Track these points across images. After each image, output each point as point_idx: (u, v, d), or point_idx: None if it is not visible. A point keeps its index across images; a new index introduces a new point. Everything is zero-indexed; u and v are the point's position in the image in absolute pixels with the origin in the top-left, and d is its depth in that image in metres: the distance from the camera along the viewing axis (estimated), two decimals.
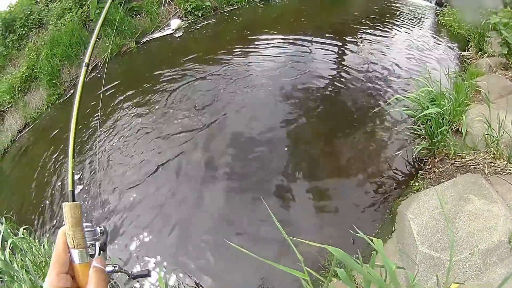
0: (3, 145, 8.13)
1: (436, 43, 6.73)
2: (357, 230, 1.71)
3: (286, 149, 4.61)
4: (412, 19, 7.89)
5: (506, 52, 5.38)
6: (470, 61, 5.86)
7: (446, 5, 8.71)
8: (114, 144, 5.71)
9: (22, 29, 9.85)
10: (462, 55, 6.13)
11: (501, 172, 3.30)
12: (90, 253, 0.77)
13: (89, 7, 8.85)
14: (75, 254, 0.72)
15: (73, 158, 0.86)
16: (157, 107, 6.15)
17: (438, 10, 8.78)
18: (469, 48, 6.29)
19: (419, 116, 3.90)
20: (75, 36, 8.75)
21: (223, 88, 6.11)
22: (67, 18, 9.12)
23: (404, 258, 2.80)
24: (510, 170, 3.28)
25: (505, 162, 3.33)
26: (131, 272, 0.98)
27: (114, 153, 5.52)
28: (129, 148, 5.44)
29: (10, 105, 8.80)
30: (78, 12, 9.17)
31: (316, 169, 4.26)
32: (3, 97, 8.84)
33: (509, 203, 2.89)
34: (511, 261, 2.48)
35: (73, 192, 0.81)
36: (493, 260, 2.50)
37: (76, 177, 5.37)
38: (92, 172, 5.36)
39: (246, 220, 3.84)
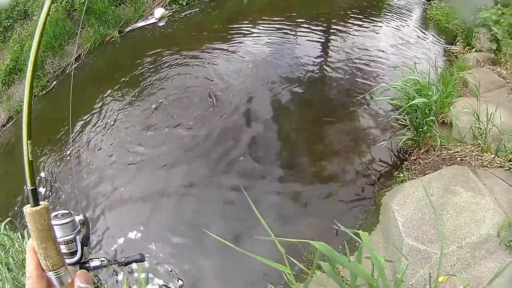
0: None
1: (423, 36, 6.73)
2: (340, 225, 1.65)
3: (268, 137, 4.54)
4: (400, 12, 7.86)
5: (495, 48, 5.40)
6: (457, 55, 5.87)
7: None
8: (93, 135, 5.64)
9: (7, 21, 9.52)
10: (449, 49, 6.14)
11: (488, 165, 3.27)
12: (71, 250, 0.63)
13: None
14: (53, 277, 0.57)
15: (29, 139, 0.66)
16: (138, 99, 6.05)
17: (426, 4, 8.81)
18: (456, 43, 6.30)
19: (406, 106, 3.85)
20: (59, 26, 8.51)
21: (204, 77, 6.01)
22: (52, 8, 8.77)
23: (389, 250, 2.75)
24: (497, 163, 3.25)
25: (493, 155, 3.31)
26: (122, 259, 0.86)
27: (93, 143, 5.46)
28: (108, 139, 5.37)
29: None
30: (63, 2, 8.90)
31: (299, 159, 4.19)
32: None
33: (497, 197, 2.85)
34: (500, 255, 2.44)
35: (34, 191, 0.61)
36: (482, 254, 2.46)
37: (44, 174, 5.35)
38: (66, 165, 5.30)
39: (228, 212, 3.77)
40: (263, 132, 4.63)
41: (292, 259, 1.55)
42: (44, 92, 8.13)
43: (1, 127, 8.01)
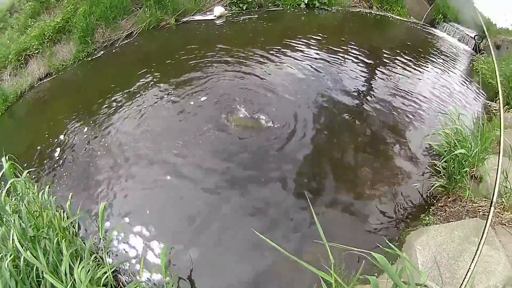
0: (20, 88, 8.14)
1: (467, 88, 6.77)
2: (389, 243, 1.77)
3: (306, 163, 4.56)
4: (447, 59, 7.92)
5: None
6: (496, 112, 5.91)
7: (483, 53, 8.81)
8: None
9: None
10: (489, 105, 6.19)
11: (506, 224, 3.39)
12: None
13: None
14: None
15: None
16: (180, 91, 6.02)
17: (474, 55, 8.86)
18: (497, 100, 6.34)
19: (447, 155, 3.99)
20: (117, 0, 8.71)
21: (244, 86, 6.00)
22: None
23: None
24: None
25: None
26: None
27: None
28: (137, 126, 5.37)
29: (36, 51, 8.68)
30: None
31: (336, 186, 4.27)
32: (32, 42, 8.70)
33: (508, 254, 2.98)
34: None
35: None
36: None
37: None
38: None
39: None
40: (300, 158, 4.61)
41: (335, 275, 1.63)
42: (89, 59, 8.36)
43: (38, 80, 8.28)
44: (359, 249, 1.62)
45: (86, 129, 5.61)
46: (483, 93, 6.68)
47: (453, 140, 4.08)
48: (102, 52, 8.42)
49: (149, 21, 8.66)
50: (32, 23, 9.23)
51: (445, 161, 4.08)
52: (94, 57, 8.38)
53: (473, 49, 9.68)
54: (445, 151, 4.12)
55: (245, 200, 4.05)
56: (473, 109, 5.97)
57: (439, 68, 7.34)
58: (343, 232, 3.72)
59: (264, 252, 3.47)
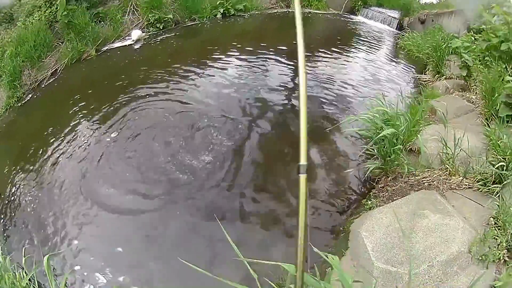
0: None
1: (394, 66, 7.03)
2: (313, 247, 1.71)
3: (235, 167, 4.52)
4: (372, 42, 8.22)
5: (465, 74, 5.74)
6: (427, 83, 6.19)
7: (407, 30, 9.26)
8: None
9: None
10: (419, 78, 6.47)
11: (456, 188, 3.44)
12: None
13: (57, 7, 8.52)
14: None
15: None
16: (110, 125, 5.79)
17: (398, 34, 9.29)
18: (426, 71, 6.65)
19: (374, 137, 3.99)
20: (40, 37, 8.36)
21: (172, 105, 5.93)
22: (36, 17, 8.68)
23: (360, 274, 2.81)
24: (466, 185, 3.43)
25: (461, 178, 3.48)
26: None
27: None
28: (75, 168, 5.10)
29: None
30: (47, 11, 8.78)
31: (268, 187, 4.23)
32: None
33: (466, 216, 3.02)
34: (473, 269, 2.57)
35: None
36: (454, 270, 2.58)
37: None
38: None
39: (200, 240, 3.70)
40: (230, 163, 4.59)
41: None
42: (19, 104, 7.81)
43: None
44: (269, 261, 1.54)
45: (26, 179, 5.22)
46: (412, 68, 6.97)
47: (379, 121, 4.12)
48: (30, 96, 7.90)
49: (71, 55, 8.34)
50: None
51: (375, 143, 4.10)
52: (23, 102, 7.83)
53: (396, 28, 10.17)
54: (374, 134, 4.11)
55: None
56: (403, 85, 6.16)
57: (365, 53, 7.58)
58: (288, 235, 3.62)
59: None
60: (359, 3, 11.45)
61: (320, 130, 4.96)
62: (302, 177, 0.71)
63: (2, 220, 4.71)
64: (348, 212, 3.78)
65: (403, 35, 8.72)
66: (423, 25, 9.69)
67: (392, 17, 10.52)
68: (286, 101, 5.75)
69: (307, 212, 0.62)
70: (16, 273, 3.43)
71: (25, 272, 3.55)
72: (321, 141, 4.80)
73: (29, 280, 3.44)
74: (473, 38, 6.08)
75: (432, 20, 9.50)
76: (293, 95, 5.88)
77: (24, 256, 3.75)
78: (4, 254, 3.74)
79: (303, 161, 0.70)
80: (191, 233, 3.79)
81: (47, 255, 3.25)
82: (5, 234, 4.50)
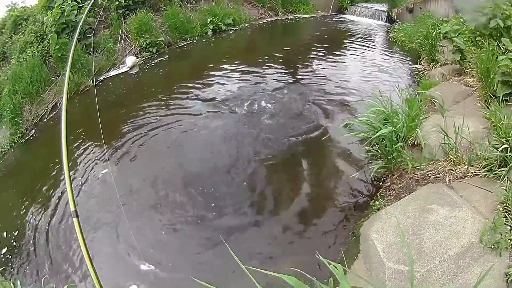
0: None
1: (389, 60, 7.00)
2: (321, 258, 1.69)
3: (243, 181, 4.51)
4: (364, 39, 8.22)
5: (459, 58, 5.64)
6: (423, 73, 6.13)
7: (397, 22, 9.24)
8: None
9: None
10: (415, 69, 6.42)
11: (463, 177, 3.38)
12: None
13: (49, 42, 8.66)
14: None
15: None
16: (118, 158, 5.75)
17: (389, 27, 9.27)
18: (421, 61, 6.60)
19: (372, 138, 3.96)
20: (36, 72, 8.50)
21: (176, 126, 5.98)
22: (29, 53, 8.85)
23: (373, 277, 2.78)
24: (472, 173, 3.37)
25: (466, 166, 3.42)
26: None
27: None
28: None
29: None
30: (39, 46, 8.98)
31: (276, 198, 4.20)
32: None
33: (475, 205, 2.97)
34: (486, 259, 2.53)
35: None
36: (467, 262, 2.53)
37: None
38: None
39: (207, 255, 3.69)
40: (237, 177, 4.59)
41: None
42: (23, 140, 7.96)
43: None
44: (275, 273, 1.52)
45: (39, 213, 5.26)
46: (407, 59, 6.93)
47: (376, 122, 4.10)
48: (33, 131, 8.03)
49: (69, 88, 8.25)
50: None
51: (376, 143, 4.08)
52: (27, 138, 7.98)
53: (386, 21, 10.18)
54: (373, 135, 4.06)
55: None
56: (398, 79, 6.12)
57: (358, 50, 7.58)
58: (300, 245, 3.60)
59: None
60: (346, 2, 11.54)
61: (320, 136, 4.96)
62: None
63: (15, 258, 4.75)
64: (357, 215, 3.74)
65: (394, 27, 8.69)
66: (412, 14, 9.66)
67: (380, 10, 10.54)
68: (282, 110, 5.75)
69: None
70: None
71: None
72: (323, 147, 4.81)
73: None
74: (462, 20, 5.99)
75: (420, 8, 9.46)
76: (292, 98, 5.84)
77: None
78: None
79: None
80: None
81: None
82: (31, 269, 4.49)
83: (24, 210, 5.54)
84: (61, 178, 5.76)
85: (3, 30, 10.14)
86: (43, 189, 5.78)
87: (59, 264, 4.30)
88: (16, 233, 5.17)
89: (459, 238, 2.64)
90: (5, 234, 5.29)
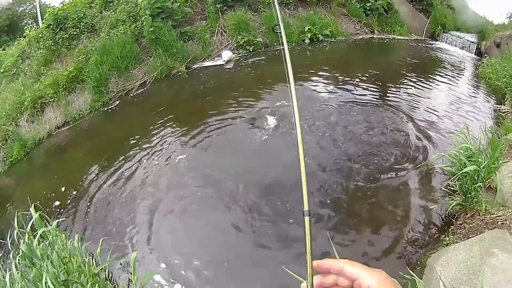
0: (38, 135, 8.27)
1: (474, 96, 6.76)
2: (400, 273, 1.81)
3: (322, 196, 4.54)
4: (452, 70, 7.96)
5: None
6: (506, 114, 5.89)
7: (485, 56, 8.85)
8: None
9: (73, 29, 9.82)
10: (498, 109, 6.18)
11: None
12: None
13: (143, 23, 9.07)
14: None
15: None
16: (196, 142, 5.95)
17: (478, 60, 8.91)
18: (505, 101, 6.33)
19: (458, 174, 3.98)
20: (127, 49, 8.93)
21: (261, 127, 6.05)
22: (120, 30, 9.19)
23: None
24: None
25: None
26: None
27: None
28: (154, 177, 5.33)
29: (52, 100, 8.81)
30: (132, 26, 9.35)
31: (352, 217, 4.28)
32: (47, 90, 8.83)
33: None
34: None
35: None
36: None
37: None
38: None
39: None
40: (316, 191, 4.61)
41: None
42: (105, 108, 8.43)
43: (56, 128, 8.40)
44: None
45: (107, 178, 5.56)
46: (492, 97, 6.68)
47: (462, 158, 4.11)
48: (117, 102, 8.48)
49: (161, 69, 8.75)
50: (45, 71, 9.50)
51: (458, 179, 4.07)
52: (110, 107, 8.44)
53: (475, 54, 9.79)
54: (457, 170, 4.11)
55: None
56: (483, 117, 5.89)
57: (446, 82, 7.38)
58: (368, 263, 3.63)
59: None
60: (439, 28, 11.27)
61: (404, 163, 4.92)
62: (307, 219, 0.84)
63: (83, 214, 5.04)
64: (427, 246, 3.78)
65: (482, 62, 8.37)
66: (499, 49, 9.19)
67: (470, 41, 10.17)
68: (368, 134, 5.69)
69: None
70: (86, 259, 3.64)
71: (95, 261, 3.80)
72: (405, 175, 4.75)
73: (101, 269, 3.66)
74: None
75: (507, 43, 8.98)
76: (376, 124, 5.78)
77: (100, 247, 4.03)
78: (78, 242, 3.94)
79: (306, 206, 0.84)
80: None
81: (135, 252, 3.47)
82: (85, 227, 4.83)
83: (89, 172, 5.87)
84: (133, 151, 5.99)
85: (92, 5, 10.67)
86: (112, 157, 6.07)
87: (114, 227, 4.58)
88: (75, 192, 5.50)
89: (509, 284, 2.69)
90: (63, 189, 5.67)
